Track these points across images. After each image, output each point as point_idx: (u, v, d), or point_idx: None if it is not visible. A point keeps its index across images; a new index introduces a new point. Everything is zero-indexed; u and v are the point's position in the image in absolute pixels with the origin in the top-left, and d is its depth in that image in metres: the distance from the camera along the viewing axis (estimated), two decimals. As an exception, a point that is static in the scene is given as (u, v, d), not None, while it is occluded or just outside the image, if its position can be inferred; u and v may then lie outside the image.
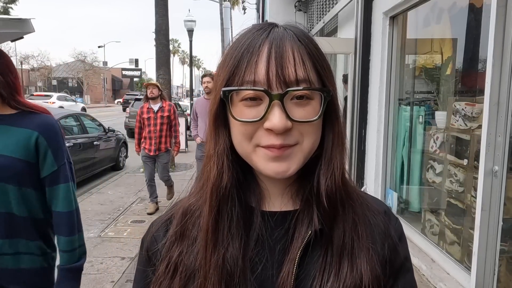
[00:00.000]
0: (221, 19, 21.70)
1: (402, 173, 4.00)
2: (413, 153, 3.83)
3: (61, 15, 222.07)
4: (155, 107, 5.21)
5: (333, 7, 5.79)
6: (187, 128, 10.67)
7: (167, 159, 5.42)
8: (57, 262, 1.42)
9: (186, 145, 10.84)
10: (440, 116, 3.39)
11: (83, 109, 23.92)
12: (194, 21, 13.68)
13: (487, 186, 2.37)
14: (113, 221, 5.05)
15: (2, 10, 39.70)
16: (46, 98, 22.92)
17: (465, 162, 2.92)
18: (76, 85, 54.98)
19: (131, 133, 11.36)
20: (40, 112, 1.38)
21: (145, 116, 5.20)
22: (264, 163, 0.57)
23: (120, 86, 70.25)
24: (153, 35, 8.71)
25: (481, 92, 2.51)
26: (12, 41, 2.26)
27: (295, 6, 8.21)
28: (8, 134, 1.29)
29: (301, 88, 0.55)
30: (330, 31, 6.53)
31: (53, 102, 21.68)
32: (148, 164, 5.33)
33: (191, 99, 12.64)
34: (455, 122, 3.03)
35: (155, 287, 0.63)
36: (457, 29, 3.28)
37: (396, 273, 0.65)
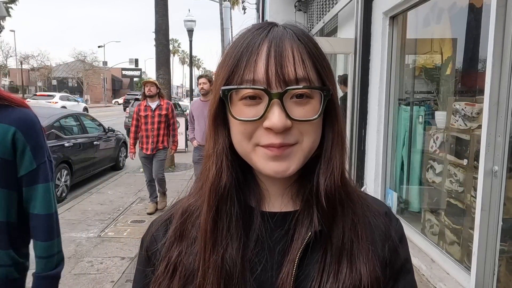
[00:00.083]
0: (221, 19, 21.70)
1: (402, 173, 4.00)
2: (413, 153, 3.83)
3: (61, 15, 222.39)
4: (153, 105, 5.12)
5: (333, 7, 5.79)
6: (187, 128, 10.66)
7: (164, 156, 5.32)
8: (32, 270, 1.32)
9: (186, 145, 10.83)
10: (440, 116, 3.39)
11: (85, 109, 24.28)
12: (194, 21, 13.69)
13: (487, 186, 2.37)
14: (113, 221, 5.05)
15: (2, 10, 39.58)
16: (49, 98, 23.35)
17: (465, 162, 2.92)
18: (76, 85, 54.97)
19: (131, 133, 11.32)
20: (18, 105, 1.25)
21: (142, 114, 5.11)
22: (263, 162, 0.57)
23: (120, 86, 70.25)
24: (153, 35, 8.71)
25: (481, 92, 2.51)
26: None
27: (295, 6, 8.21)
28: None
29: (300, 86, 0.55)
30: (330, 31, 6.53)
31: (56, 102, 22.01)
32: (146, 165, 5.28)
33: (191, 99, 12.64)
34: (455, 122, 3.03)
35: (154, 287, 0.63)
36: (457, 29, 3.28)
37: (396, 275, 0.64)
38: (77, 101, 26.64)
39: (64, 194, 6.35)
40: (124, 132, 10.89)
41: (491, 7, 2.33)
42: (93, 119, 8.29)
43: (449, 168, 3.13)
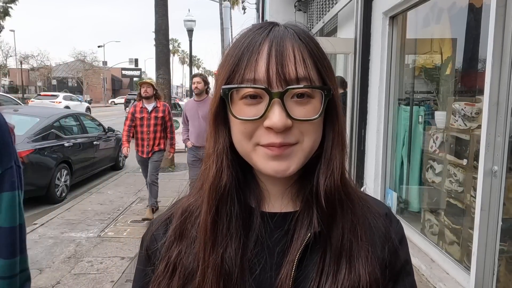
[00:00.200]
0: (221, 19, 21.69)
1: (402, 173, 4.00)
2: (413, 153, 3.83)
3: (61, 15, 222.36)
4: (149, 107, 4.95)
5: (332, 7, 5.79)
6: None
7: (159, 158, 5.13)
8: None
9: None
10: (440, 116, 3.40)
11: (88, 108, 24.77)
12: (194, 21, 13.71)
13: (487, 186, 2.37)
14: (113, 221, 5.05)
15: (2, 10, 39.67)
16: (53, 98, 23.74)
17: (464, 162, 2.92)
18: (75, 85, 54.96)
19: (130, 133, 11.33)
20: None
21: (138, 115, 4.94)
22: (264, 161, 0.57)
23: (119, 86, 70.28)
24: (153, 35, 8.71)
25: (481, 92, 2.51)
26: None
27: (295, 6, 8.22)
28: None
29: (301, 86, 0.54)
30: (330, 31, 6.54)
31: (60, 102, 22.38)
32: (143, 167, 5.19)
33: (191, 99, 12.62)
34: (455, 122, 3.03)
35: (154, 286, 0.63)
36: (457, 29, 3.28)
37: (396, 276, 0.64)
38: (80, 101, 26.88)
39: (64, 194, 6.35)
40: (124, 132, 10.87)
41: (490, 7, 2.33)
42: (93, 119, 8.29)
43: (449, 168, 3.13)
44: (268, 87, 0.54)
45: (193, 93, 5.03)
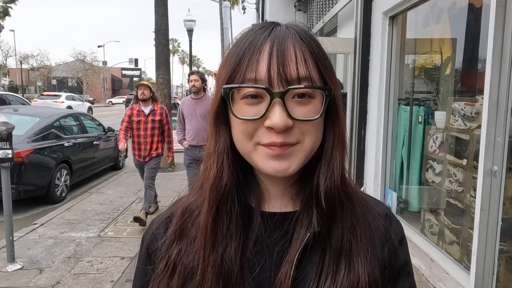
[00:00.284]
0: (221, 18, 21.68)
1: (402, 173, 4.00)
2: (413, 153, 3.83)
3: (61, 15, 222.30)
4: (146, 110, 4.80)
5: (332, 7, 5.79)
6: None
7: (156, 164, 4.95)
8: None
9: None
10: (440, 116, 3.40)
11: (90, 108, 25.04)
12: (194, 21, 13.71)
13: (486, 186, 2.37)
14: (113, 221, 5.05)
15: (2, 10, 39.66)
16: (56, 98, 24.14)
17: (464, 162, 2.92)
18: (75, 84, 54.93)
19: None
20: None
21: (135, 119, 4.78)
22: (264, 161, 0.57)
23: (119, 86, 70.26)
24: (153, 35, 8.71)
25: (481, 92, 2.52)
26: None
27: (295, 6, 8.22)
28: None
29: (302, 86, 0.54)
30: (330, 31, 6.54)
31: (62, 102, 22.79)
32: (141, 171, 5.10)
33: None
34: (455, 122, 3.03)
35: (154, 285, 0.63)
36: (457, 29, 3.28)
37: (396, 277, 0.64)
38: (82, 101, 27.04)
39: (64, 194, 6.35)
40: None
41: (490, 7, 2.33)
42: (92, 119, 8.29)
43: (449, 168, 3.13)
44: (269, 87, 0.54)
45: (191, 91, 4.92)
